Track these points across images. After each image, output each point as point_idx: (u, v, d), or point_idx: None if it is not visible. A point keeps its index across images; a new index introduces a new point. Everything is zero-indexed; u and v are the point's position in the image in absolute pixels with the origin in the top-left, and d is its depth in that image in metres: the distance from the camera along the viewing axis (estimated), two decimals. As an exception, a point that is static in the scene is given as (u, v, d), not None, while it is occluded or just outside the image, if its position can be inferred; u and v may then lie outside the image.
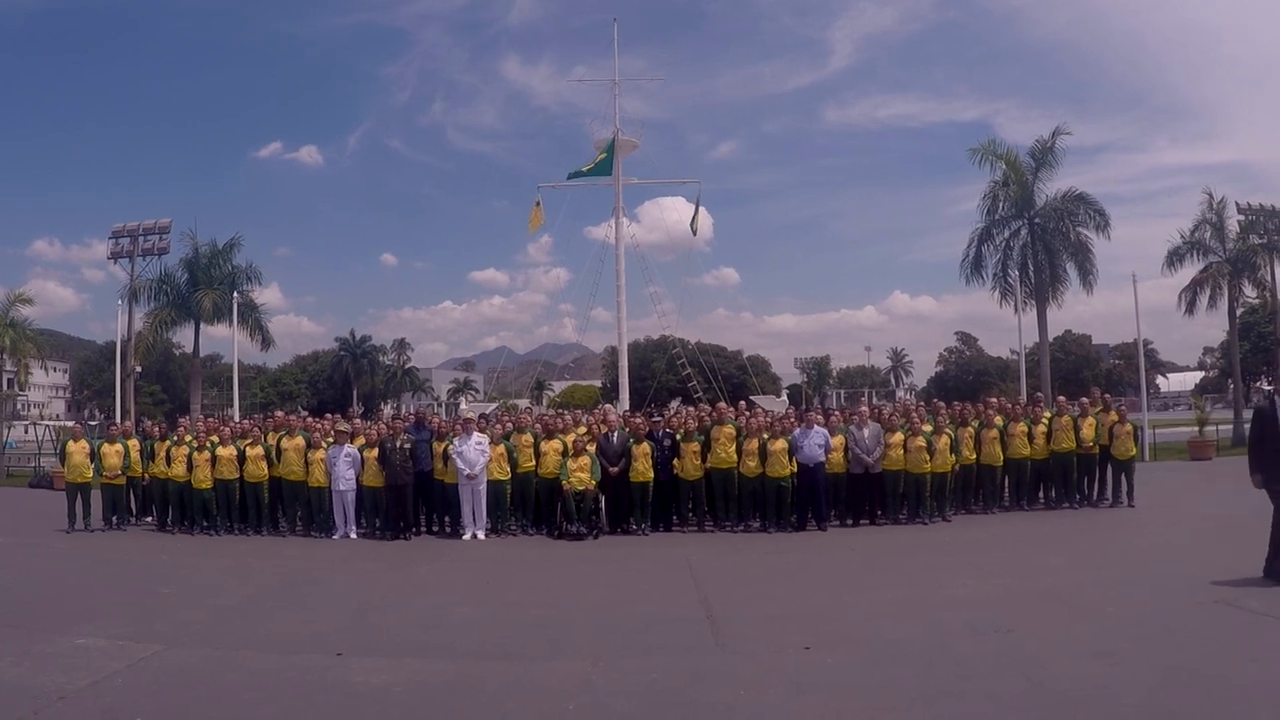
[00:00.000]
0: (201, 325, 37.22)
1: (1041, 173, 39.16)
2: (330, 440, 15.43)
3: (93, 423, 47.97)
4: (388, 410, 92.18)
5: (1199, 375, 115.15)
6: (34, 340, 36.99)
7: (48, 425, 38.91)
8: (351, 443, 15.48)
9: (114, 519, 16.77)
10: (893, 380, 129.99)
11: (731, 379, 62.91)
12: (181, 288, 36.66)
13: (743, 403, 23.91)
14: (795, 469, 14.88)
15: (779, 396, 49.65)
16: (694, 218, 42.01)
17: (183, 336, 41.09)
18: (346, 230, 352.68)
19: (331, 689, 6.83)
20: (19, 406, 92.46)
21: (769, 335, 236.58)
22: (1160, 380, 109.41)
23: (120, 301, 35.98)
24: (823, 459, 14.82)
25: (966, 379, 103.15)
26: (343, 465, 14.98)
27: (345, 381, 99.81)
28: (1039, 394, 25.15)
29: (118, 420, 30.31)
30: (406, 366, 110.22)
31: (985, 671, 6.85)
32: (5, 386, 37.84)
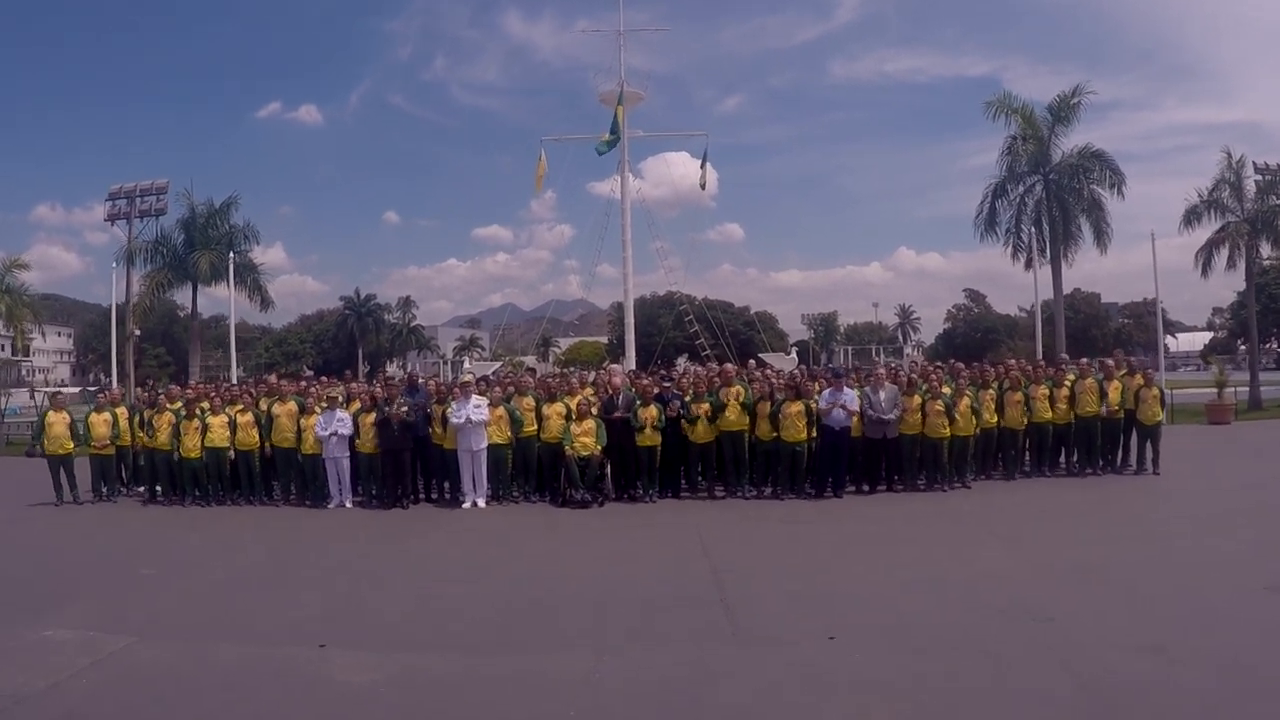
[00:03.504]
0: (200, 286, 36.65)
1: (1057, 129, 38.33)
2: (323, 406, 14.79)
3: (92, 388, 47.54)
4: (393, 368, 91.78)
5: (1208, 336, 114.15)
6: (31, 306, 36.43)
7: (44, 392, 38.32)
8: (348, 407, 14.90)
9: (104, 490, 16.19)
10: (900, 337, 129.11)
11: (738, 335, 62.27)
12: (178, 249, 35.96)
13: (751, 361, 23.29)
14: (814, 434, 14.23)
15: (788, 354, 48.77)
16: (702, 172, 41.07)
17: (183, 298, 40.59)
18: (349, 189, 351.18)
19: (311, 687, 6.26)
20: (23, 372, 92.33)
21: (774, 291, 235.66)
22: (1169, 340, 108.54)
23: (115, 264, 35.41)
24: (849, 423, 14.18)
25: (975, 336, 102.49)
26: (336, 428, 14.33)
27: (350, 341, 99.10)
28: (1064, 355, 24.36)
29: (113, 384, 29.75)
30: (412, 325, 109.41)
31: (1025, 665, 6.26)
32: (2, 352, 37.15)
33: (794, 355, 50.19)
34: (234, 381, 25.01)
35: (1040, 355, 32.67)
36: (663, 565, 10.00)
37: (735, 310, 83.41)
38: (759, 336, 65.57)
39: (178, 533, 13.18)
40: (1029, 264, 38.69)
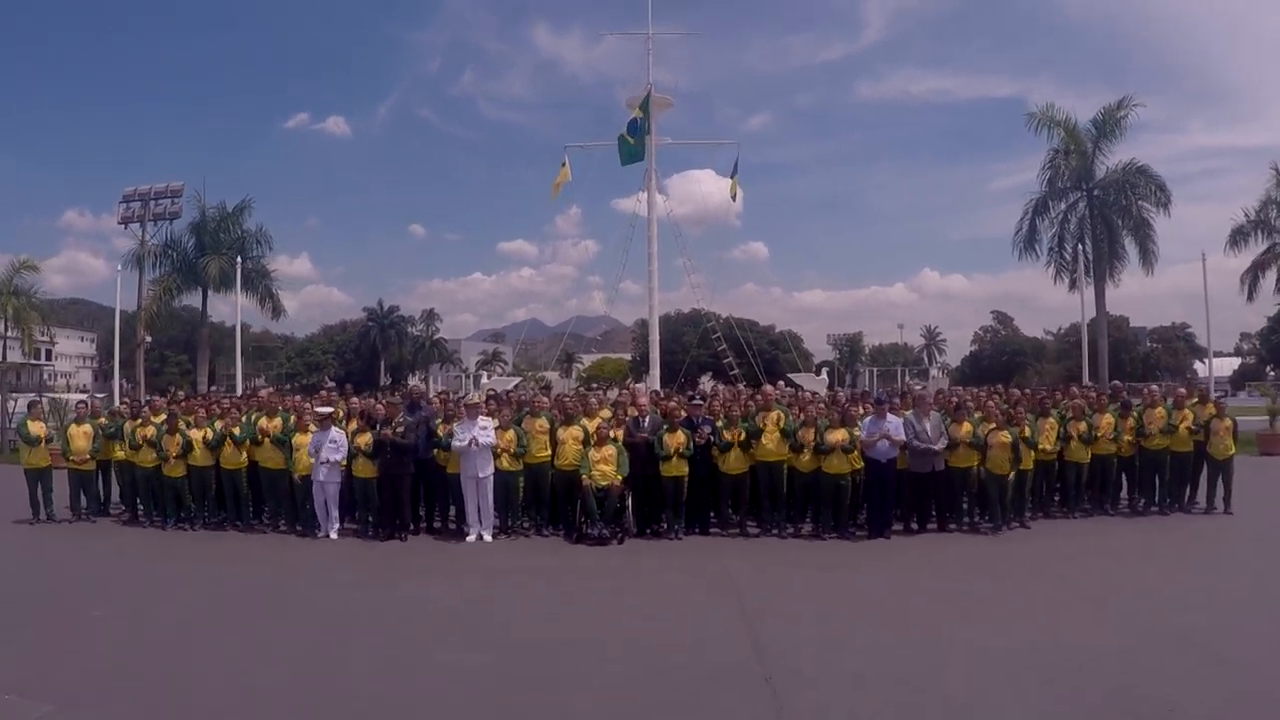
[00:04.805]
0: (211, 292, 35.65)
1: (1101, 143, 36.88)
2: (316, 425, 13.34)
3: (100, 395, 46.53)
4: (415, 381, 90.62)
5: (1236, 361, 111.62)
6: (40, 308, 35.48)
7: (50, 398, 37.26)
8: (348, 424, 13.55)
9: (82, 508, 14.92)
10: (926, 359, 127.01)
11: (763, 354, 60.74)
12: (188, 253, 34.89)
13: (780, 383, 21.90)
14: (859, 465, 12.81)
15: (818, 375, 47.14)
16: (733, 183, 39.61)
17: (197, 304, 39.60)
18: (376, 200, 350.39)
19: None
20: (45, 376, 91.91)
21: (798, 311, 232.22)
22: (1197, 365, 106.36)
23: (120, 268, 34.36)
24: (895, 454, 12.70)
25: (1001, 359, 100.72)
26: (327, 452, 12.92)
27: (373, 352, 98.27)
28: (1116, 383, 22.85)
29: (117, 392, 28.64)
30: (435, 337, 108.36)
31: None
32: (4, 357, 36.12)
33: (824, 376, 48.62)
34: (238, 392, 23.81)
35: (1086, 379, 31.23)
36: (693, 626, 8.47)
37: (760, 329, 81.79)
38: (784, 356, 63.96)
39: (147, 562, 11.88)
40: (1073, 284, 37.11)
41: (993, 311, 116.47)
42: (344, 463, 13.06)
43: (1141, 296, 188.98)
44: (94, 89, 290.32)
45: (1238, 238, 37.02)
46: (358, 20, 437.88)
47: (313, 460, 12.98)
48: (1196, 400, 15.38)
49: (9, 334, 35.85)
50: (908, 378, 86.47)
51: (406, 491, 13.08)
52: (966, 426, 13.15)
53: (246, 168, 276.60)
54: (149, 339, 37.85)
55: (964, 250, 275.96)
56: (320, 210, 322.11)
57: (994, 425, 13.15)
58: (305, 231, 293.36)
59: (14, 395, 34.32)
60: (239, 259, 33.03)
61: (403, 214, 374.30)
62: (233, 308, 37.43)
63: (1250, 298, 38.62)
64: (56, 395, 39.09)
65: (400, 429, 12.79)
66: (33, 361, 79.33)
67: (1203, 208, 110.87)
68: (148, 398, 20.03)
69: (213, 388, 43.46)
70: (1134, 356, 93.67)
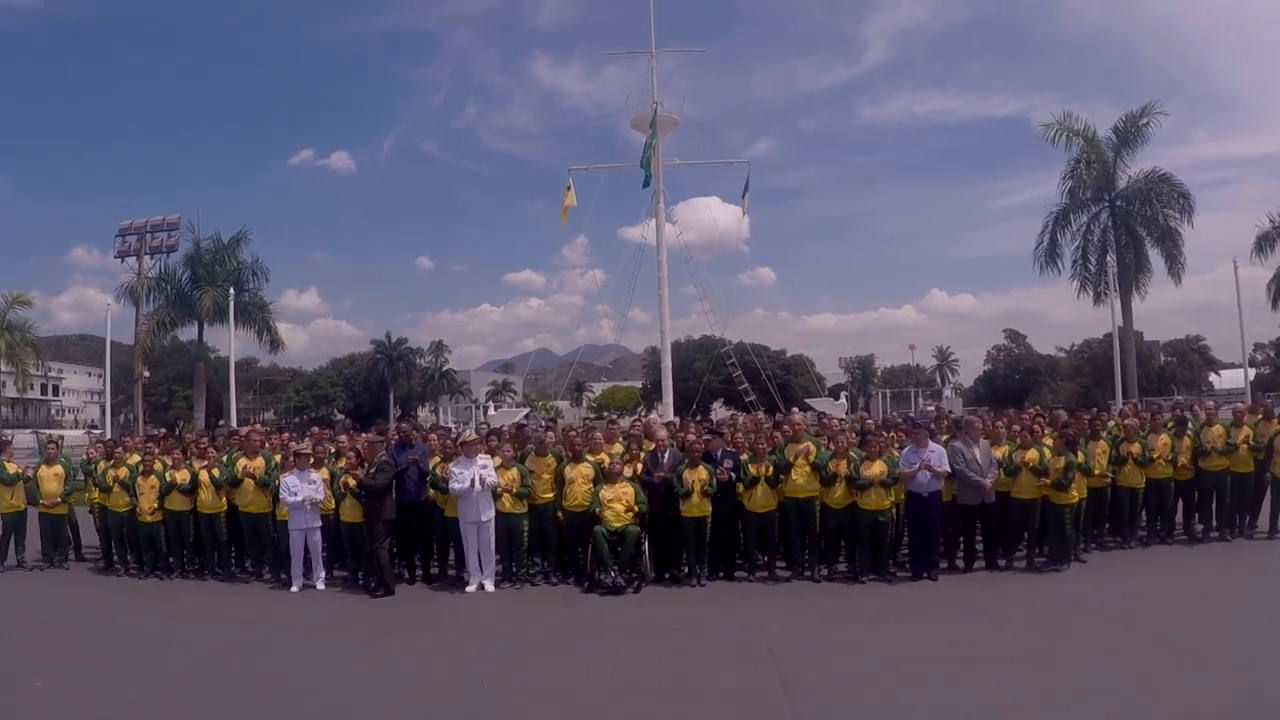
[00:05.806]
0: (206, 325, 34.84)
1: (1122, 153, 36.02)
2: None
3: (95, 430, 45.79)
4: (424, 413, 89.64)
5: (1251, 372, 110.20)
6: (33, 344, 34.74)
7: (48, 434, 36.43)
8: (337, 462, 12.38)
9: (54, 555, 13.79)
10: (939, 380, 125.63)
11: (776, 379, 59.76)
12: (183, 286, 34.08)
13: (795, 409, 20.79)
14: (900, 498, 11.68)
15: (836, 400, 45.89)
16: (744, 201, 38.73)
17: (205, 339, 38.76)
18: (382, 234, 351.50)
19: None
20: (52, 412, 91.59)
21: (808, 335, 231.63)
22: (1214, 377, 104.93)
23: (110, 302, 33.60)
24: (939, 486, 11.46)
25: (1014, 378, 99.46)
26: (305, 492, 11.65)
27: (382, 385, 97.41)
28: (1178, 398, 21.80)
29: (109, 429, 27.66)
30: (444, 369, 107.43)
31: None
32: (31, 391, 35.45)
33: (843, 400, 47.39)
34: (233, 425, 22.76)
35: (1123, 396, 30.26)
36: (725, 705, 7.13)
37: (771, 354, 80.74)
38: (806, 379, 62.99)
39: (112, 617, 10.75)
40: (1098, 298, 36.12)
41: (1005, 330, 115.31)
42: (327, 504, 11.91)
43: (1149, 310, 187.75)
44: (99, 128, 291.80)
45: (1263, 244, 36.29)
46: (360, 57, 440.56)
47: (289, 505, 11.76)
48: (1261, 417, 14.19)
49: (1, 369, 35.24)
50: (922, 399, 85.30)
51: (380, 539, 11.54)
52: (1033, 453, 11.91)
53: (252, 204, 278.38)
54: (147, 373, 36.98)
55: (971, 269, 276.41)
56: (327, 244, 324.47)
57: (1055, 451, 11.93)
58: (313, 265, 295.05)
59: (8, 431, 33.37)
60: (232, 291, 32.13)
61: (409, 247, 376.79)
62: (243, 342, 36.65)
63: (1275, 305, 38.17)
64: (52, 432, 38.13)
65: (373, 470, 11.54)
66: (39, 397, 78.90)
67: (1210, 219, 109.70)
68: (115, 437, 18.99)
69: (221, 423, 42.56)
70: (1149, 370, 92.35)
